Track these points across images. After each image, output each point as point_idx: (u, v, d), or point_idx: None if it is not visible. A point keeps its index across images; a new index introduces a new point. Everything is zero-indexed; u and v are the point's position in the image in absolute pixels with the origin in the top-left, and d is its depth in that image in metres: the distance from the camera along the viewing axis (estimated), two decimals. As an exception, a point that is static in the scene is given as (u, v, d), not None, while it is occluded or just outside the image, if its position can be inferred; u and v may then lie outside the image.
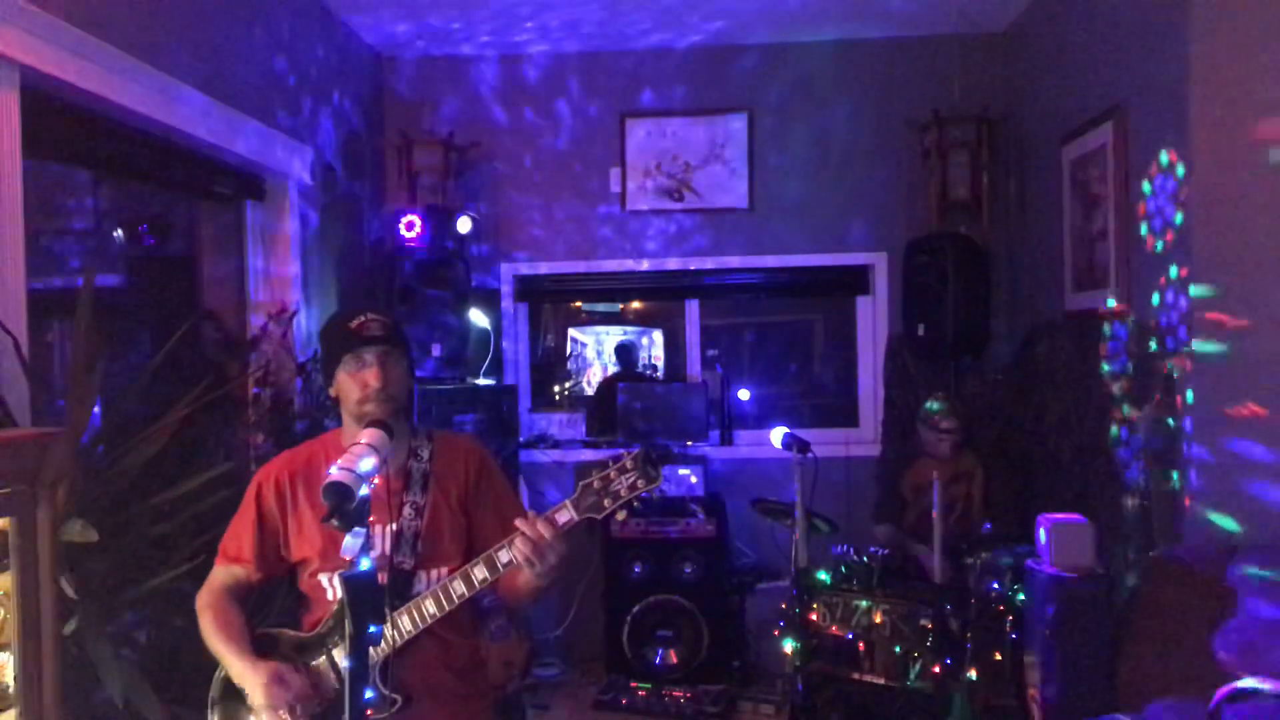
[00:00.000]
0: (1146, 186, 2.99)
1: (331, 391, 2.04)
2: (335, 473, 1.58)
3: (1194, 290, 2.71)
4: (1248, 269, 2.66)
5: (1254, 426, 2.64)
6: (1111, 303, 3.22)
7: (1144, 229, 3.02)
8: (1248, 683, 1.96)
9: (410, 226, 4.04)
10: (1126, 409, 3.12)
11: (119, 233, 3.18)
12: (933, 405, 3.75)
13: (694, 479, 4.28)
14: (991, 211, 4.23)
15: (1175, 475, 2.81)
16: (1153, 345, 2.93)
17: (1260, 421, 2.64)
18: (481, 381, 4.32)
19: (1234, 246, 2.67)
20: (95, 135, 2.58)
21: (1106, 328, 3.28)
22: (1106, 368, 3.28)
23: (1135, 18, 3.08)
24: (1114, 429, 3.21)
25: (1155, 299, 2.94)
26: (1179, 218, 2.79)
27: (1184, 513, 2.76)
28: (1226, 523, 2.64)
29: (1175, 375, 2.80)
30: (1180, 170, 2.77)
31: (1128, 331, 3.12)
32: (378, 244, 4.50)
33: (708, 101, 4.58)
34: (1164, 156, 2.87)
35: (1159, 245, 2.92)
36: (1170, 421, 2.82)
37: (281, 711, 1.83)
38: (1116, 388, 3.20)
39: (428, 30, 4.30)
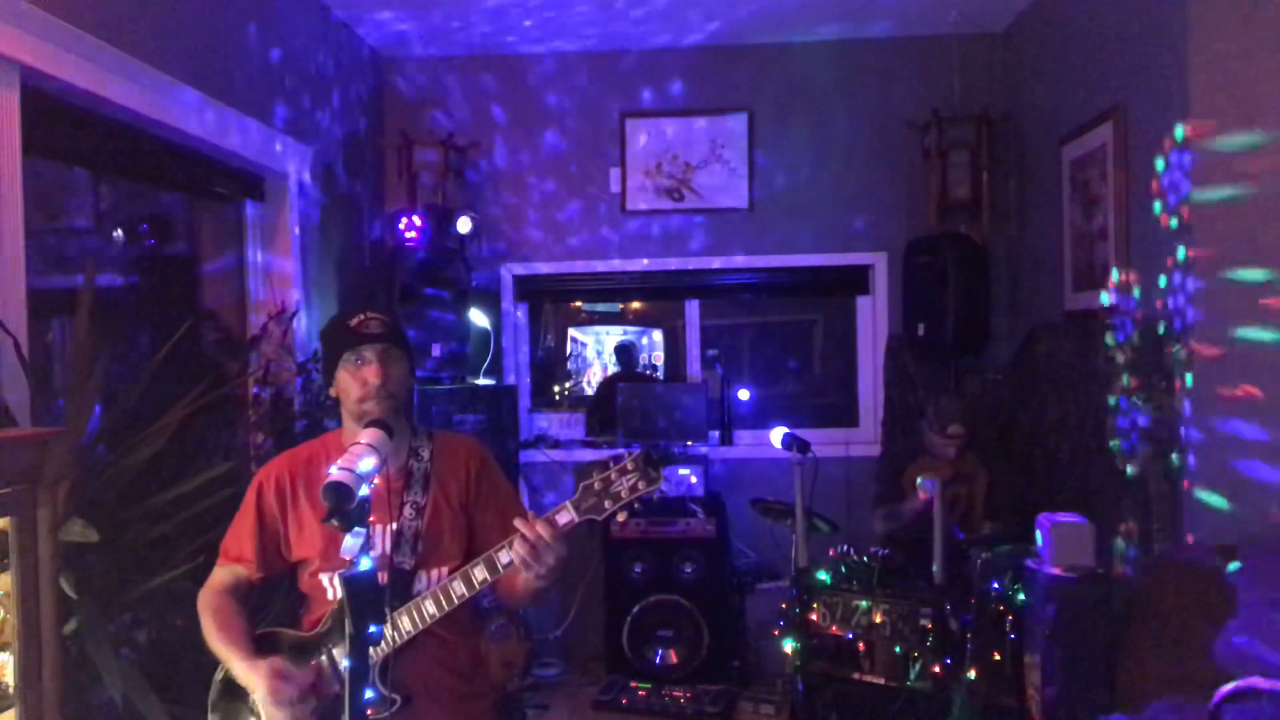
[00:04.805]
0: (1146, 186, 2.99)
1: (332, 391, 2.04)
2: (335, 473, 1.58)
3: (1193, 289, 2.71)
4: (1247, 266, 2.66)
5: (1255, 424, 2.64)
6: (1111, 302, 3.22)
7: (1143, 229, 3.02)
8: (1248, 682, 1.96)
9: (410, 226, 4.04)
10: (1127, 407, 3.12)
11: (119, 233, 3.18)
12: (941, 421, 3.70)
13: (694, 479, 4.28)
14: (991, 211, 4.23)
15: (1175, 474, 2.81)
16: (1151, 344, 2.93)
17: (1261, 419, 2.64)
18: (481, 381, 4.32)
19: (1234, 246, 2.67)
20: (95, 135, 2.58)
21: (1106, 327, 3.27)
22: (1106, 367, 3.28)
23: (1135, 18, 3.08)
24: (1113, 428, 3.20)
25: (1154, 298, 2.94)
26: (1178, 218, 2.79)
27: (1184, 513, 2.76)
28: (1219, 502, 2.64)
29: (1175, 374, 2.80)
30: (1180, 170, 2.77)
31: (1127, 331, 3.12)
32: (378, 244, 4.50)
33: (708, 101, 4.58)
34: (1163, 156, 2.87)
35: (1159, 245, 2.92)
36: (1170, 420, 2.82)
37: (285, 706, 1.83)
38: (1116, 387, 3.20)
39: (428, 30, 4.30)
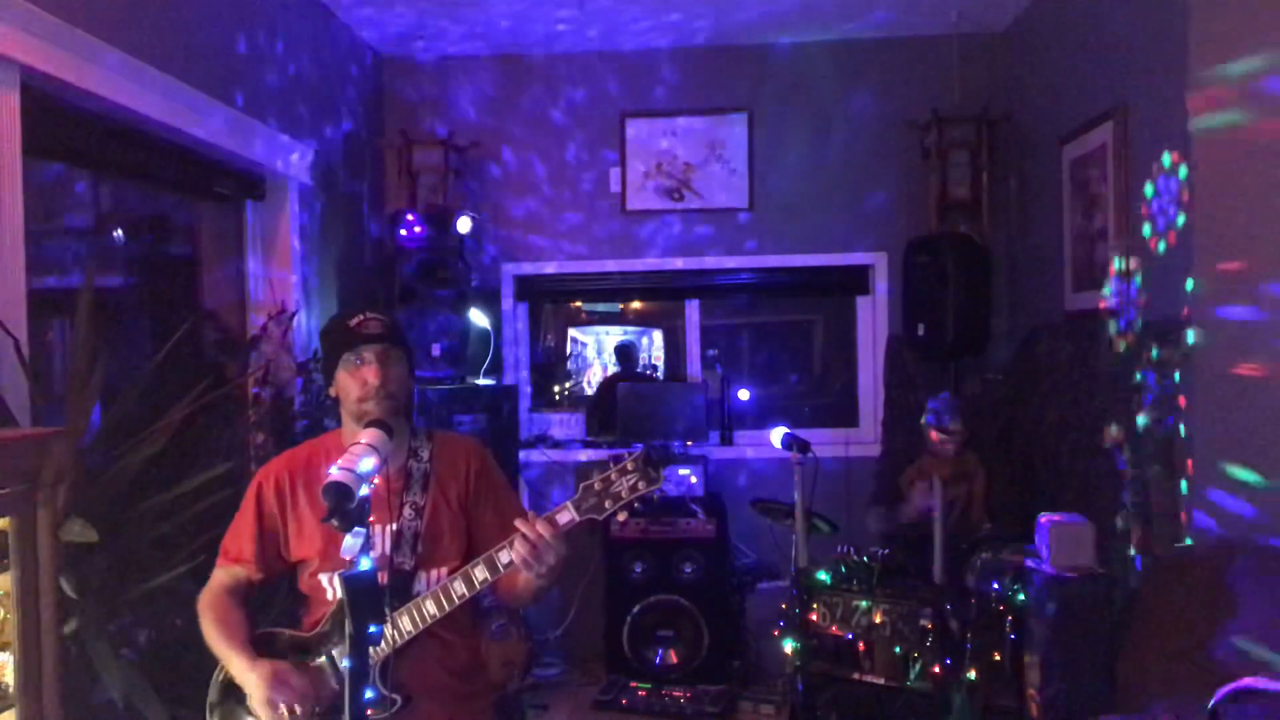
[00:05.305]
0: (1147, 187, 2.99)
1: (331, 391, 2.04)
2: (335, 473, 1.58)
3: (1194, 289, 2.71)
4: (1248, 267, 2.66)
5: (1255, 423, 2.64)
6: (1111, 302, 3.22)
7: (1144, 229, 3.02)
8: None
9: (410, 226, 4.04)
10: (1125, 409, 3.12)
11: (119, 233, 3.18)
12: (941, 416, 3.70)
13: (694, 479, 4.28)
14: (991, 211, 4.23)
15: (1175, 473, 2.81)
16: (1150, 343, 2.93)
17: (1261, 419, 2.64)
18: (481, 381, 4.32)
19: (1235, 246, 2.67)
20: (95, 135, 2.58)
21: (1106, 327, 3.27)
22: (1105, 367, 3.28)
23: (1135, 18, 3.08)
24: (1115, 436, 3.21)
25: (1154, 299, 2.94)
26: (1180, 218, 2.79)
27: (1184, 513, 2.76)
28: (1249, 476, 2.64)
29: (1174, 375, 2.80)
30: (1181, 170, 2.77)
31: (1126, 331, 3.12)
32: (378, 244, 4.50)
33: (708, 101, 4.58)
34: (1165, 157, 2.87)
35: (1160, 245, 2.92)
36: (1174, 427, 2.82)
37: (281, 710, 1.83)
38: (1116, 387, 3.20)
39: (428, 30, 4.30)
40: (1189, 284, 2.72)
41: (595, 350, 6.47)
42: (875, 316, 4.60)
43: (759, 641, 4.10)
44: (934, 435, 3.69)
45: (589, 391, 5.92)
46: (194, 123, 2.86)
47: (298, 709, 1.83)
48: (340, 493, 1.55)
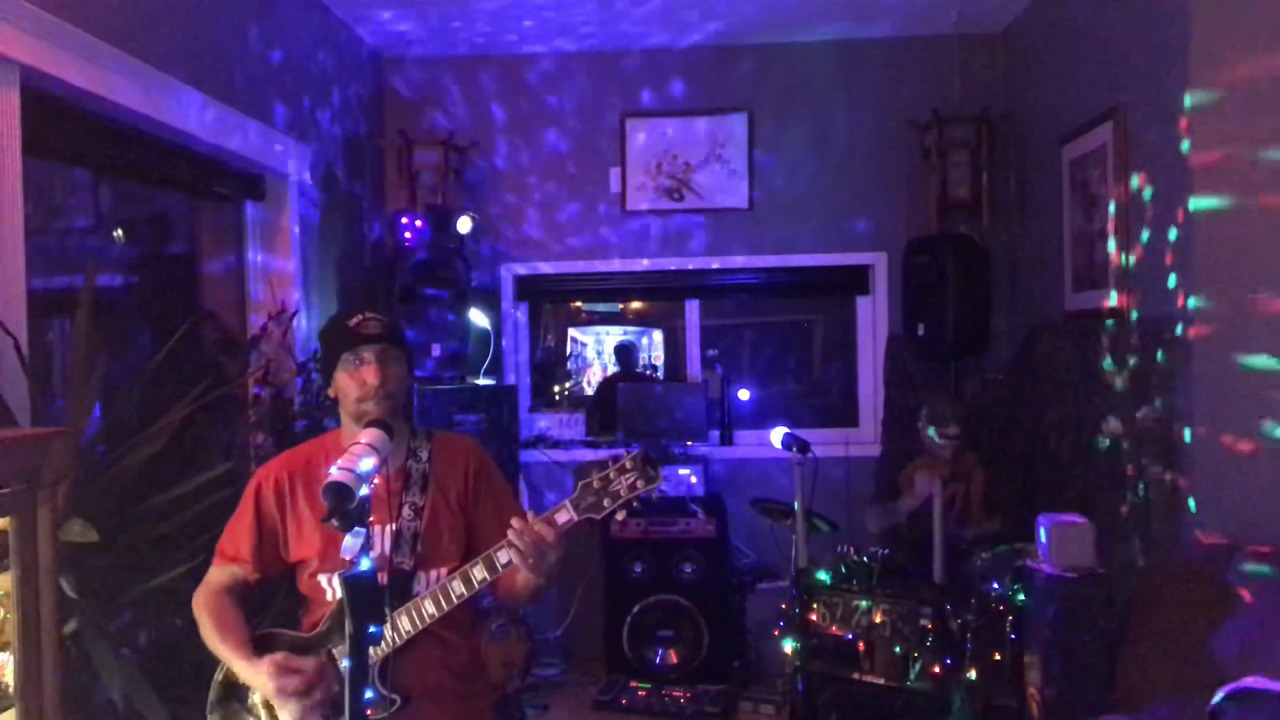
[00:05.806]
0: (1146, 186, 2.99)
1: (331, 391, 2.04)
2: (335, 473, 1.58)
3: (1192, 291, 2.71)
4: (1248, 266, 2.66)
5: (1255, 421, 2.64)
6: (1111, 302, 3.22)
7: (1143, 228, 3.02)
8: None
9: (410, 227, 4.04)
10: (1123, 411, 3.12)
11: (119, 233, 3.18)
12: (938, 420, 3.69)
13: (694, 479, 4.28)
14: (991, 211, 4.23)
15: (1176, 474, 2.81)
16: (1150, 343, 2.93)
17: (1261, 417, 2.64)
18: (481, 381, 4.32)
19: (1234, 244, 2.67)
20: (95, 135, 2.58)
21: (1105, 327, 3.28)
22: (1106, 367, 3.28)
23: (1135, 18, 3.08)
24: (1113, 429, 3.20)
25: (1155, 299, 2.94)
26: (1178, 216, 2.79)
27: (1184, 513, 2.76)
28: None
29: (1174, 376, 2.80)
30: (1180, 170, 2.77)
31: (1127, 331, 3.12)
32: (378, 244, 4.50)
33: (708, 101, 4.58)
34: (1164, 156, 2.87)
35: (1159, 244, 2.92)
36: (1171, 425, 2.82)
37: (293, 699, 1.82)
38: (1116, 387, 3.20)
39: (428, 30, 4.30)
40: (1188, 283, 2.72)
41: (595, 350, 6.48)
42: (875, 316, 4.60)
43: (759, 641, 4.10)
44: (932, 437, 3.69)
45: (589, 391, 5.92)
46: (194, 123, 2.86)
47: (315, 693, 1.83)
48: (340, 493, 1.55)
